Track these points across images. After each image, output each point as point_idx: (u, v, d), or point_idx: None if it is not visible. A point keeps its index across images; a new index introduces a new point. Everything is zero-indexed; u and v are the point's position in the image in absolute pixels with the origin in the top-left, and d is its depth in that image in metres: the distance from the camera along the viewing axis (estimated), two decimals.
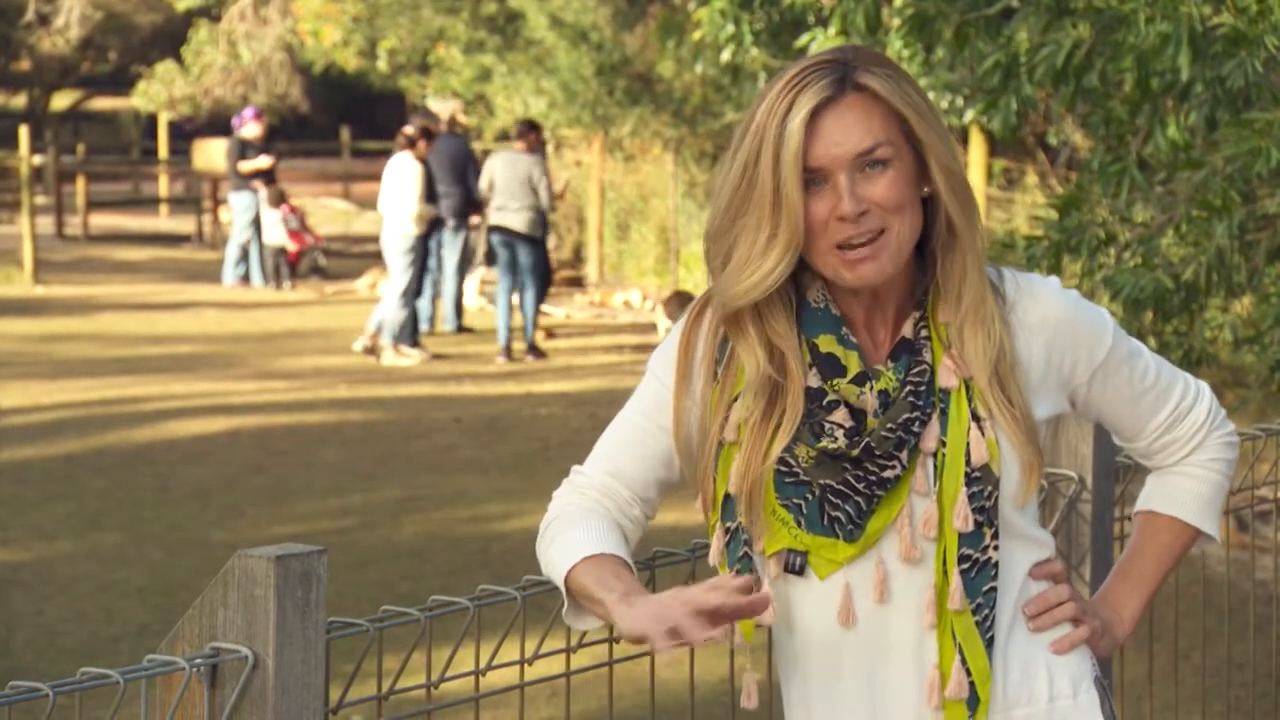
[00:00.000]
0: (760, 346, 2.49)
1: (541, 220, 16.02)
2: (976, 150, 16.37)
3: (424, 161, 15.93)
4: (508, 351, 15.73)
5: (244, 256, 21.67)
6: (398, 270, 15.70)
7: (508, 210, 15.73)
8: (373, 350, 15.70)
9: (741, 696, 2.57)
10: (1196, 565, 6.53)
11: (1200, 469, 2.69)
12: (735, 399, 2.51)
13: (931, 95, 11.29)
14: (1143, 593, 2.72)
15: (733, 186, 2.46)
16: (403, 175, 15.72)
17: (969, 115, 10.93)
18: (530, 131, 16.27)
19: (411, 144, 15.95)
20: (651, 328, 17.59)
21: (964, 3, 6.64)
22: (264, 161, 21.18)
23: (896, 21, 7.21)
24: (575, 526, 2.54)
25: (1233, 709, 6.62)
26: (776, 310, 2.49)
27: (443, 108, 17.73)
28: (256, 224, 21.41)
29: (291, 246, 21.65)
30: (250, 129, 21.17)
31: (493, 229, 15.88)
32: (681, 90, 20.13)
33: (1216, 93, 5.80)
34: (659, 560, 2.87)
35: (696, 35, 10.50)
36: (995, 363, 2.49)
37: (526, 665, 2.78)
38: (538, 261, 15.98)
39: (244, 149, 21.18)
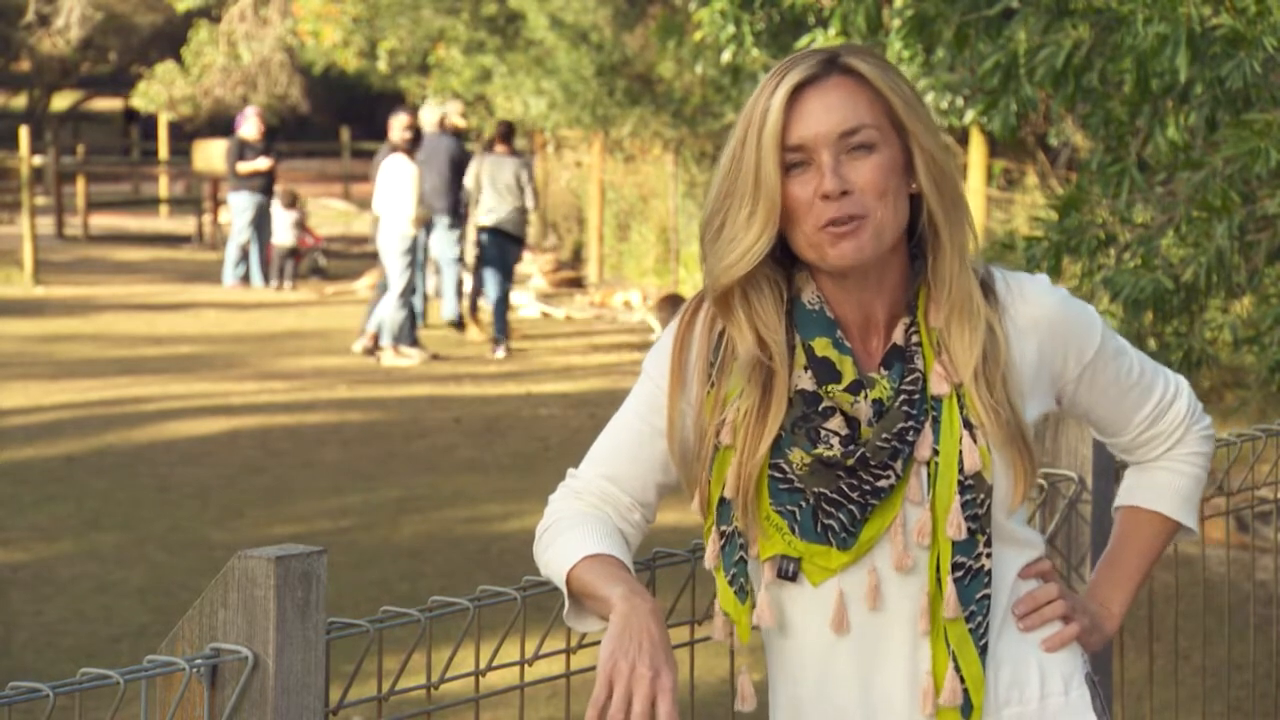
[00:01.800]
0: (749, 330, 2.49)
1: (525, 220, 16.61)
2: (976, 150, 16.36)
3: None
4: (500, 345, 16.09)
5: (244, 257, 21.67)
6: (395, 271, 15.74)
7: (498, 211, 16.10)
8: (373, 351, 15.73)
9: (736, 699, 2.57)
10: (1196, 565, 6.53)
11: (1181, 463, 2.71)
12: (731, 399, 2.51)
13: (931, 95, 11.31)
14: (1129, 587, 2.73)
15: (723, 172, 2.49)
16: (398, 176, 15.74)
17: (969, 116, 10.93)
18: (511, 134, 16.66)
19: (408, 147, 15.99)
20: (649, 328, 17.60)
21: (964, 3, 6.63)
22: (262, 163, 21.16)
23: (896, 22, 7.21)
24: (575, 529, 2.54)
25: (1233, 709, 6.62)
26: (765, 301, 2.49)
27: (432, 108, 17.84)
28: (255, 224, 21.41)
29: (297, 245, 21.72)
30: (249, 129, 21.17)
31: (483, 229, 16.19)
32: (682, 91, 20.13)
33: (1216, 93, 5.80)
34: (659, 560, 2.87)
35: (697, 36, 10.50)
36: (981, 361, 2.49)
37: (526, 666, 2.78)
38: (515, 260, 16.66)
39: (243, 149, 21.17)
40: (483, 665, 2.71)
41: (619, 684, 2.37)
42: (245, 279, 21.71)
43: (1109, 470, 3.48)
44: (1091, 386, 2.61)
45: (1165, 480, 2.71)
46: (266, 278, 21.64)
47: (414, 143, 15.96)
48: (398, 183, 15.72)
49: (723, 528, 2.52)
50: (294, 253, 21.70)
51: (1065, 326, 2.56)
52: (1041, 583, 2.59)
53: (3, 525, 9.72)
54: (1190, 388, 2.72)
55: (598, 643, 2.80)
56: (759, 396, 2.48)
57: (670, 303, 16.62)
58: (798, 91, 2.45)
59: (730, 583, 2.52)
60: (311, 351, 16.07)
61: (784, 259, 2.51)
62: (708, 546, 2.54)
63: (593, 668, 2.95)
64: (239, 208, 21.45)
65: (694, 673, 3.02)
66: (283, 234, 21.52)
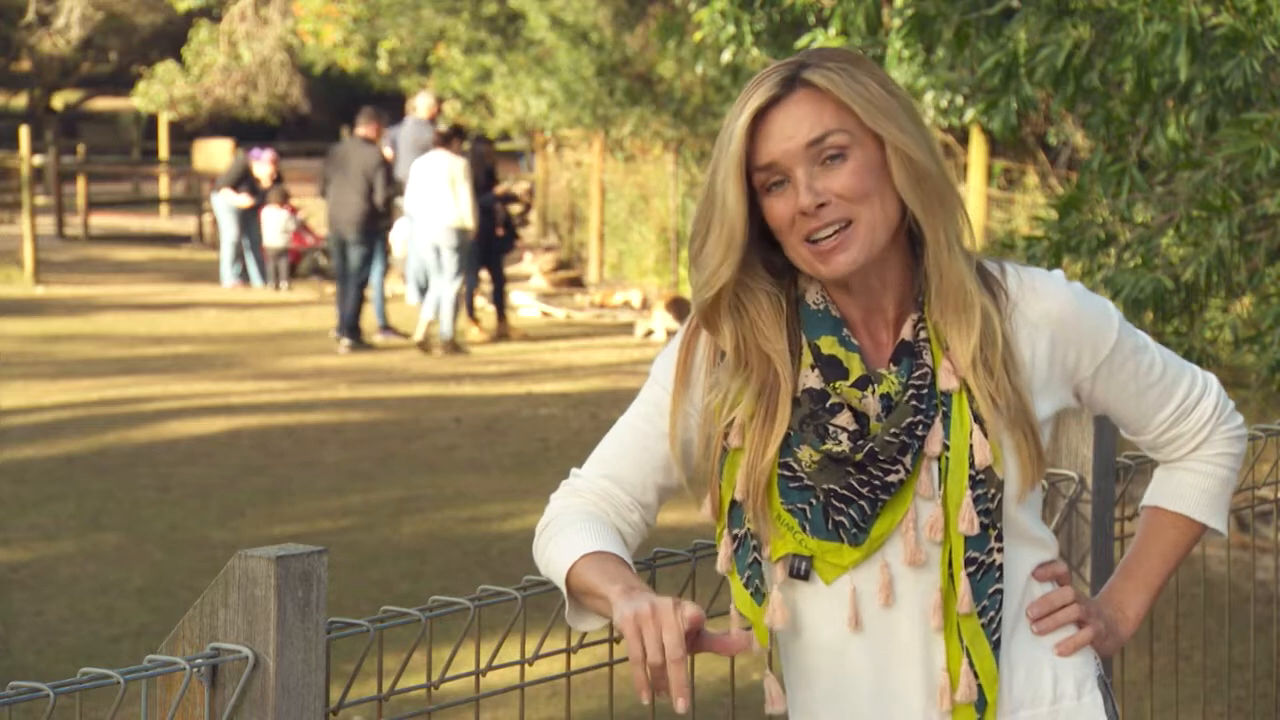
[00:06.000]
0: (730, 345, 2.50)
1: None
2: (976, 150, 16.35)
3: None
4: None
5: (239, 255, 21.80)
6: (454, 264, 15.74)
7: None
8: (425, 345, 15.83)
9: (766, 703, 2.56)
10: (1197, 566, 6.53)
11: (1206, 464, 2.69)
12: (739, 403, 2.51)
13: (931, 95, 11.30)
14: (1148, 591, 2.71)
15: (704, 193, 2.50)
16: (444, 173, 15.69)
17: (969, 115, 10.93)
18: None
19: (446, 141, 15.97)
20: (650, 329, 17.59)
21: (964, 3, 6.64)
22: (244, 201, 21.58)
23: (897, 22, 7.21)
24: (574, 527, 2.54)
25: (1233, 709, 6.62)
26: (764, 312, 2.50)
27: (424, 96, 18.10)
28: (243, 221, 21.60)
29: (290, 245, 21.76)
30: (261, 169, 21.61)
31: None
32: (682, 90, 20.13)
33: (1216, 93, 5.80)
34: (659, 560, 2.87)
35: (697, 36, 10.50)
36: (979, 349, 2.47)
37: (527, 665, 2.78)
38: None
39: (246, 177, 21.62)
40: (483, 665, 2.71)
41: (646, 626, 2.31)
42: (244, 277, 21.77)
43: (1109, 470, 3.47)
44: (1108, 384, 2.59)
45: (1190, 481, 2.69)
46: (264, 277, 21.70)
47: (446, 139, 15.95)
48: (443, 180, 15.66)
49: (735, 531, 2.52)
50: (288, 252, 21.76)
51: (1077, 321, 2.55)
52: (1056, 585, 2.58)
53: (3, 525, 9.72)
54: (1221, 387, 2.69)
55: (598, 643, 2.81)
56: (762, 403, 2.48)
57: (676, 306, 16.69)
58: (763, 113, 2.46)
59: (745, 585, 2.51)
60: (311, 351, 16.07)
61: (790, 264, 2.51)
62: (720, 550, 2.54)
63: (593, 668, 2.96)
64: (223, 208, 21.74)
65: (694, 673, 3.02)
66: (274, 235, 21.58)
